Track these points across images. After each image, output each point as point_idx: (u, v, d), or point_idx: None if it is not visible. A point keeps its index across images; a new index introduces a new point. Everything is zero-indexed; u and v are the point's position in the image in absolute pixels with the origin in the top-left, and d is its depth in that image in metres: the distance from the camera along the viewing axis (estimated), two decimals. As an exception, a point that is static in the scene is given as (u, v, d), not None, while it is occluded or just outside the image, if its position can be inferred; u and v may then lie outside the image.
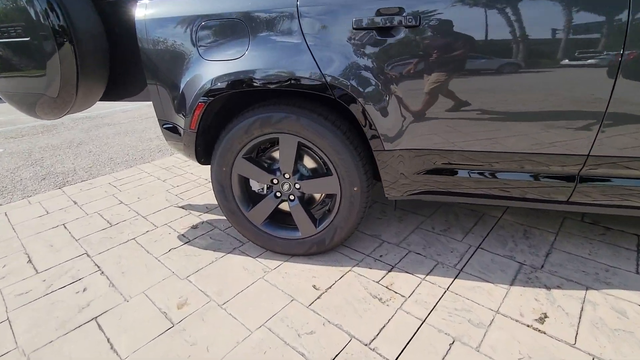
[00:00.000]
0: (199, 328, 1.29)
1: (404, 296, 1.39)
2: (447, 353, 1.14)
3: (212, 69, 1.40)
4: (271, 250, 1.71)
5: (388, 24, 1.18)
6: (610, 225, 1.80)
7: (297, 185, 1.55)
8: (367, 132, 1.33)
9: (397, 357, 1.13)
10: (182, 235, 1.95)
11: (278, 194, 1.60)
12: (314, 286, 1.48)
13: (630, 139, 1.13)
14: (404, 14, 1.16)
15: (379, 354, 1.15)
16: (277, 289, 1.48)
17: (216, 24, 1.38)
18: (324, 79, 1.27)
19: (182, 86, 1.50)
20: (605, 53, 1.04)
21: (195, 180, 2.72)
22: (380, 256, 1.65)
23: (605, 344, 1.14)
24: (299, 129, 1.40)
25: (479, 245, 1.69)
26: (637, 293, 1.35)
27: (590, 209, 1.32)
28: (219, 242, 1.86)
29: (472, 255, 1.62)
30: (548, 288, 1.39)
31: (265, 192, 1.67)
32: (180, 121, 1.56)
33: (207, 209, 2.25)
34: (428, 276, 1.50)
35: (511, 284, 1.43)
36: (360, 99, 1.27)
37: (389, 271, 1.55)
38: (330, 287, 1.47)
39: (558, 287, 1.40)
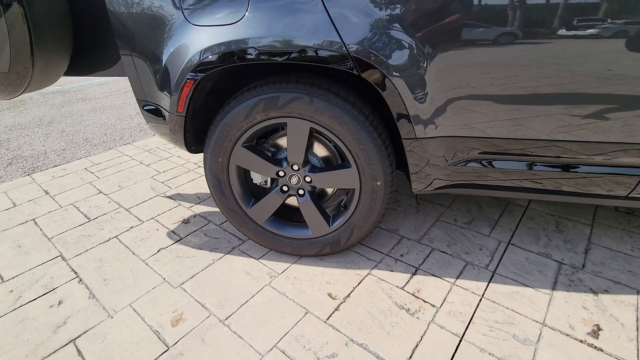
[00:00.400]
0: (200, 352, 1.09)
1: (434, 306, 1.22)
2: (495, 380, 0.97)
3: (202, 36, 1.12)
4: (279, 252, 1.50)
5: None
6: (646, 215, 1.65)
7: (308, 179, 1.32)
8: (398, 117, 1.10)
9: (438, 387, 0.96)
10: (172, 231, 1.71)
11: (285, 188, 1.37)
12: (329, 295, 1.29)
13: None
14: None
15: (416, 382, 0.98)
16: (287, 298, 1.28)
17: (206, -22, 1.08)
18: (345, 50, 1.01)
19: (164, 58, 1.21)
20: None
21: (184, 165, 2.45)
22: (401, 255, 1.47)
23: (673, 364, 1.00)
24: (313, 113, 1.15)
25: (510, 240, 1.52)
26: (694, 297, 1.20)
27: (651, 206, 1.14)
28: (215, 240, 1.64)
29: (503, 252, 1.45)
30: (595, 293, 1.24)
31: (269, 185, 1.43)
32: (165, 101, 1.28)
33: (199, 198, 2.00)
34: (458, 280, 1.32)
35: (553, 288, 1.26)
36: (392, 76, 1.02)
37: (413, 274, 1.36)
38: (348, 296, 1.28)
39: (606, 291, 1.24)
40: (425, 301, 1.24)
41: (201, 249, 1.58)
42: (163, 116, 1.33)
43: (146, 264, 1.50)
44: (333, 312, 1.21)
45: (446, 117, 1.08)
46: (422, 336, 1.11)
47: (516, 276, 1.33)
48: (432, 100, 1.06)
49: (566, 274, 1.33)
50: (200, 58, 1.12)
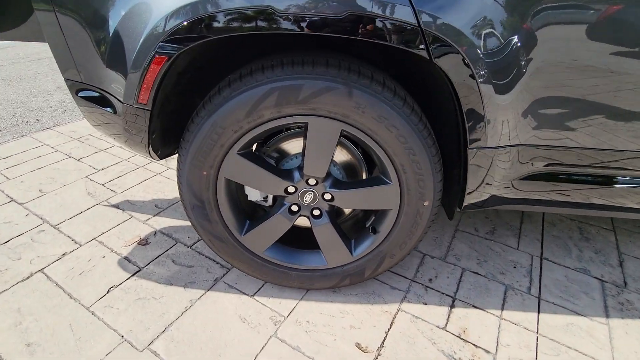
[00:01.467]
0: None
1: (489, 352, 0.99)
2: None
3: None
4: (286, 286, 1.16)
5: None
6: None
7: (328, 196, 0.98)
8: (470, 121, 0.80)
9: None
10: (126, 259, 1.27)
11: (294, 208, 1.02)
12: (358, 346, 1.00)
13: None
14: None
15: None
16: (304, 356, 0.96)
17: None
18: (417, 21, 0.68)
19: (114, 19, 0.76)
20: None
21: (129, 159, 1.93)
22: (430, 281, 1.22)
23: None
24: (349, 111, 0.80)
25: (541, 254, 1.34)
26: None
27: None
28: (188, 269, 1.24)
29: (540, 271, 1.27)
30: (649, 318, 1.11)
31: (269, 202, 1.07)
32: (116, 86, 0.83)
33: (158, 207, 1.55)
34: (504, 312, 1.11)
35: (607, 316, 1.11)
36: (477, 66, 0.71)
37: (452, 306, 1.12)
38: (382, 346, 1.00)
39: (658, 314, 1.12)
40: (476, 346, 1.00)
41: (171, 285, 1.18)
42: (112, 107, 0.87)
43: (92, 313, 1.07)
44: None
45: (529, 123, 0.81)
46: (487, 400, 0.88)
47: (564, 302, 1.15)
48: (518, 102, 0.77)
49: (612, 295, 1.18)
50: (178, 22, 0.70)
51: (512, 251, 1.36)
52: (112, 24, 0.76)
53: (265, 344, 1.00)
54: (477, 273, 1.25)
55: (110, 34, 0.77)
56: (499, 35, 0.70)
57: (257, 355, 0.97)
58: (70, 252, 1.30)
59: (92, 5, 0.78)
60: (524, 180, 0.94)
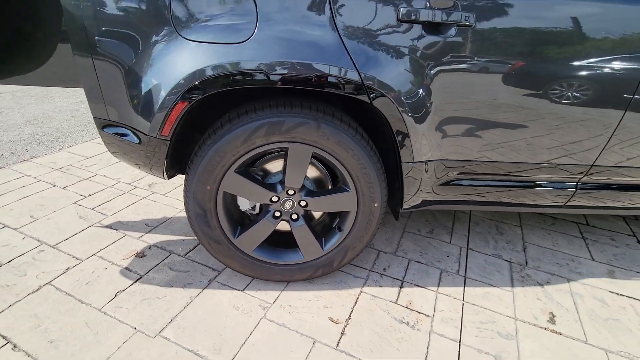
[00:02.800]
0: (212, 410, 0.97)
1: (428, 316, 1.31)
2: (497, 376, 1.11)
3: (199, 53, 1.00)
4: (266, 280, 1.41)
5: (439, 20, 1.00)
6: (554, 215, 2.06)
7: (303, 203, 1.29)
8: (401, 143, 1.16)
9: (456, 393, 1.05)
10: (127, 269, 1.46)
11: (277, 214, 1.31)
12: (331, 319, 1.28)
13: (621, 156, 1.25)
14: (458, 11, 1.00)
15: (437, 393, 1.05)
16: (289, 330, 1.22)
17: (205, -8, 0.98)
18: (360, 79, 1.03)
19: (145, 73, 1.04)
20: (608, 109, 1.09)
21: (114, 186, 2.11)
22: (384, 270, 1.54)
23: (607, 336, 1.28)
24: (318, 138, 1.13)
25: (467, 246, 1.73)
26: (602, 279, 1.56)
27: (579, 211, 1.46)
28: (184, 273, 1.46)
29: (466, 258, 1.64)
30: (541, 285, 1.50)
31: (257, 211, 1.35)
32: (142, 123, 1.10)
33: (148, 226, 1.75)
34: (440, 287, 1.45)
35: (512, 285, 1.49)
36: (401, 105, 1.08)
37: (401, 287, 1.45)
38: (349, 317, 1.29)
39: (547, 282, 1.52)
40: (419, 312, 1.33)
41: (171, 286, 1.39)
42: (138, 140, 1.13)
43: (104, 313, 1.26)
44: (340, 338, 1.21)
45: (439, 144, 1.19)
46: (427, 347, 1.19)
47: (483, 278, 1.52)
48: (433, 130, 1.15)
49: (517, 272, 1.58)
50: (199, 77, 1.00)
51: (446, 245, 1.73)
52: (143, 77, 1.04)
53: (257, 324, 1.24)
54: (420, 262, 1.60)
55: (141, 84, 1.05)
56: (411, 86, 1.08)
57: (251, 332, 1.21)
58: (74, 266, 1.46)
59: (128, 61, 1.05)
60: (442, 185, 1.32)
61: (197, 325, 1.22)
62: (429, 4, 1.00)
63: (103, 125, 1.17)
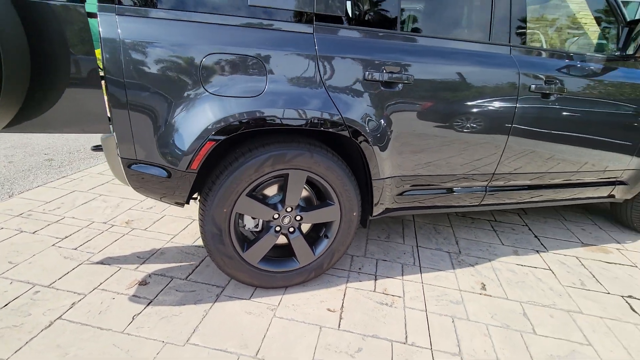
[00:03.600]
0: (256, 387, 1.19)
1: (400, 297, 1.70)
2: (455, 328, 1.52)
3: (223, 104, 1.30)
4: (270, 287, 1.66)
5: (389, 79, 1.47)
6: (473, 216, 2.67)
7: (299, 217, 1.60)
8: (371, 165, 1.57)
9: (431, 345, 1.43)
10: (135, 296, 1.58)
11: (277, 229, 1.60)
12: (328, 309, 1.58)
13: (510, 167, 1.85)
14: (402, 72, 1.49)
15: (418, 346, 1.41)
16: (298, 322, 1.49)
17: (229, 59, 1.30)
18: (342, 120, 1.43)
19: (177, 120, 1.30)
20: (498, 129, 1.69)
21: (89, 226, 2.14)
22: (359, 269, 1.90)
23: (519, 293, 1.80)
24: (311, 165, 1.49)
25: (417, 245, 2.19)
26: (510, 257, 2.13)
27: (488, 208, 2.02)
28: (192, 292, 1.63)
29: (418, 253, 2.09)
30: (472, 265, 2.01)
31: (260, 228, 1.62)
32: (171, 160, 1.33)
33: (140, 257, 1.86)
34: (404, 276, 1.86)
35: (453, 268, 1.96)
36: (370, 138, 1.50)
37: (375, 279, 1.81)
38: (342, 307, 1.60)
39: (476, 263, 2.03)
40: (393, 295, 1.70)
41: (183, 304, 1.55)
42: (167, 174, 1.35)
43: (127, 334, 1.38)
44: (340, 321, 1.51)
45: (397, 163, 1.64)
46: (405, 318, 1.56)
47: (432, 265, 1.97)
48: (390, 154, 1.59)
49: (454, 258, 2.07)
50: (225, 122, 1.30)
51: (401, 245, 2.17)
52: (175, 123, 1.29)
53: (270, 321, 1.49)
54: (385, 260, 2.00)
55: (173, 129, 1.30)
56: (377, 123, 1.51)
57: (267, 328, 1.45)
58: (79, 301, 1.54)
59: (162, 114, 1.29)
60: (399, 195, 1.75)
61: (218, 331, 1.42)
62: (385, 69, 1.46)
63: (130, 164, 1.36)
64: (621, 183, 2.25)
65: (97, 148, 1.70)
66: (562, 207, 2.92)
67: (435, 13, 1.64)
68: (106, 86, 1.25)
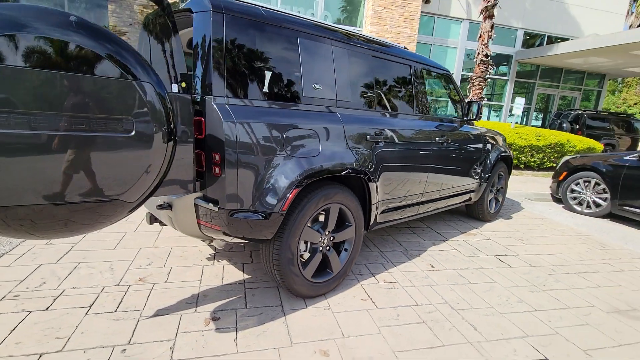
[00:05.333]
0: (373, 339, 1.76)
1: (395, 281, 2.49)
2: (435, 291, 2.41)
3: (301, 162, 1.89)
4: (317, 295, 2.18)
5: (378, 139, 2.35)
6: (398, 227, 3.73)
7: (332, 238, 2.23)
8: (373, 196, 2.37)
9: (430, 302, 2.27)
10: (219, 328, 1.85)
11: (320, 249, 2.18)
12: (362, 300, 2.23)
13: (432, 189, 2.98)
14: (381, 134, 2.39)
15: (423, 304, 2.23)
16: (350, 312, 2.09)
17: (299, 131, 1.91)
18: (362, 169, 2.20)
19: (270, 177, 1.80)
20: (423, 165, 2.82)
21: (104, 291, 2.11)
22: (359, 272, 2.60)
23: (451, 265, 2.86)
24: (342, 199, 2.17)
25: (380, 250, 3.04)
26: (432, 247, 3.23)
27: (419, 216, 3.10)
28: (261, 314, 2.00)
29: (385, 255, 2.95)
30: (418, 255, 2.99)
31: (307, 251, 2.15)
32: (270, 205, 1.79)
33: (189, 303, 2.06)
34: (388, 270, 2.67)
35: (410, 259, 2.90)
36: (374, 180, 2.32)
37: (374, 276, 2.56)
38: (369, 296, 2.28)
39: (419, 254, 3.03)
40: (392, 282, 2.48)
41: (264, 323, 1.93)
42: (263, 218, 1.79)
43: (243, 352, 1.70)
44: (374, 303, 2.19)
45: (382, 192, 2.49)
46: (406, 292, 2.36)
47: (397, 260, 2.85)
48: (381, 186, 2.44)
49: (406, 254, 3.01)
50: (304, 174, 1.87)
51: (372, 252, 2.98)
52: (272, 178, 1.78)
53: (334, 316, 2.03)
54: (369, 263, 2.76)
55: (271, 181, 1.77)
56: (373, 169, 2.33)
57: (336, 319, 1.99)
58: (174, 344, 1.71)
59: (260, 166, 1.75)
60: (382, 213, 2.60)
61: (307, 330, 1.89)
62: (374, 133, 2.32)
63: (233, 213, 1.74)
64: (472, 191, 3.73)
65: (162, 207, 1.91)
66: (439, 213, 4.36)
67: (399, 97, 2.64)
68: (222, 154, 1.67)
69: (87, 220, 1.30)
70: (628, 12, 19.20)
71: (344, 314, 2.07)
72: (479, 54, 9.97)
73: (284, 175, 1.84)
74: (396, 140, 2.52)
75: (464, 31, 12.25)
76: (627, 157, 4.56)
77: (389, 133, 2.46)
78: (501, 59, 13.14)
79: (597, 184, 4.78)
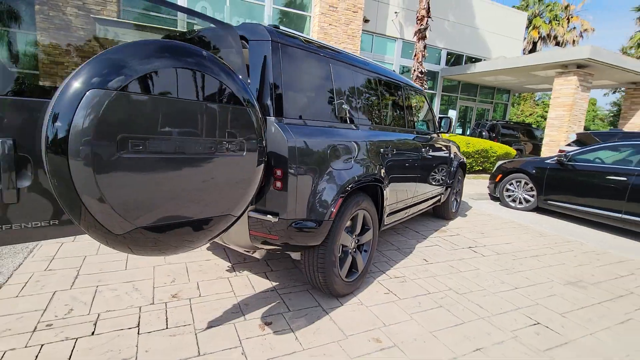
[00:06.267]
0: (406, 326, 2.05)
1: (404, 276, 2.84)
2: (437, 280, 2.81)
3: (341, 174, 2.13)
4: (349, 293, 2.42)
5: (387, 151, 2.70)
6: (385, 231, 4.10)
7: (357, 240, 2.49)
8: (385, 201, 2.69)
9: (438, 290, 2.66)
10: (277, 331, 1.99)
11: (349, 251, 2.42)
12: (385, 293, 2.52)
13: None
14: (389, 147, 2.75)
15: (433, 292, 2.61)
16: (380, 304, 2.37)
17: (340, 146, 2.16)
18: (380, 178, 2.52)
19: (321, 188, 2.01)
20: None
21: (144, 310, 2.09)
22: (371, 271, 2.89)
23: (440, 258, 3.32)
24: (366, 205, 2.46)
25: (381, 251, 3.37)
26: (419, 245, 3.67)
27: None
28: (306, 315, 2.18)
29: (387, 255, 3.28)
30: (411, 252, 3.39)
31: (340, 253, 2.37)
32: (322, 214, 2.00)
33: (235, 313, 2.14)
34: (394, 267, 3.00)
35: (406, 256, 3.28)
36: (386, 187, 2.64)
37: (385, 273, 2.87)
38: (389, 290, 2.58)
39: (411, 251, 3.43)
40: (402, 276, 2.82)
41: (313, 322, 2.11)
42: (316, 225, 1.98)
43: (309, 348, 1.87)
44: (396, 295, 2.50)
45: (390, 197, 2.83)
46: (415, 283, 2.72)
47: (397, 258, 3.21)
48: (389, 192, 2.78)
49: (402, 252, 3.39)
50: (346, 184, 2.12)
51: (377, 253, 3.29)
52: (323, 189, 1.98)
53: (369, 309, 2.29)
54: (375, 263, 3.07)
55: (323, 193, 1.98)
56: (384, 175, 2.66)
57: (372, 312, 2.25)
58: (241, 347, 1.81)
59: (313, 179, 1.94)
60: (387, 216, 2.93)
61: (352, 324, 2.11)
62: (385, 146, 2.66)
63: (292, 223, 1.91)
64: (442, 193, 4.29)
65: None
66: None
67: (399, 115, 3.00)
68: (285, 169, 1.84)
69: (204, 235, 1.38)
70: (524, 38, 22.79)
71: (375, 307, 2.34)
72: (414, 70, 11.09)
73: (332, 186, 2.06)
74: (398, 152, 2.89)
75: (398, 49, 13.47)
76: (548, 161, 5.60)
77: (394, 145, 2.82)
78: (429, 75, 14.70)
79: (526, 183, 5.77)
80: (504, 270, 3.17)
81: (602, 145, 5.32)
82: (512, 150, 10.76)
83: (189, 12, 1.60)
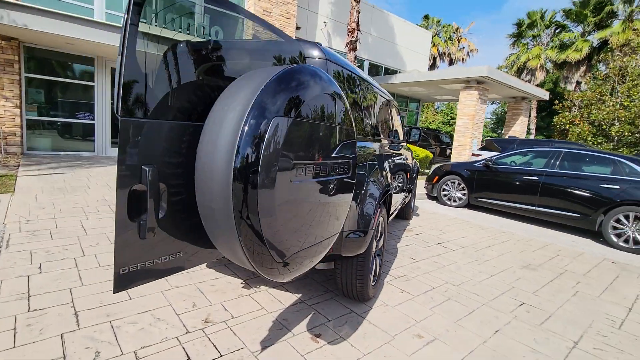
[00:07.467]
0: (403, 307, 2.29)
1: (406, 275, 3.10)
2: (433, 278, 3.15)
3: (375, 186, 2.28)
4: (373, 297, 2.56)
5: (390, 161, 2.94)
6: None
7: (377, 246, 2.66)
8: (390, 207, 2.92)
9: (440, 285, 2.98)
10: (330, 342, 2.04)
11: (374, 256, 2.58)
12: (399, 292, 2.74)
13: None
14: (390, 157, 3.00)
15: (437, 286, 2.93)
16: (402, 303, 2.58)
17: (373, 160, 2.30)
18: (390, 185, 2.73)
19: (366, 200, 2.13)
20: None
21: (188, 339, 1.92)
22: (381, 274, 3.09)
23: (424, 255, 3.68)
24: (383, 212, 2.65)
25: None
26: (406, 248, 4.01)
27: (393, 220, 3.82)
28: (346, 322, 2.26)
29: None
30: (407, 257, 3.69)
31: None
32: (368, 224, 2.10)
33: (279, 329, 2.11)
34: (396, 268, 3.25)
35: (395, 256, 3.57)
36: (392, 194, 2.87)
37: (389, 274, 3.09)
38: (402, 289, 2.81)
39: (408, 256, 3.74)
40: (407, 275, 3.08)
41: (357, 328, 2.21)
42: (360, 234, 2.08)
43: (370, 353, 1.97)
44: (409, 293, 2.74)
45: (393, 204, 3.07)
46: (418, 280, 3.00)
47: (391, 257, 3.47)
48: (393, 198, 3.02)
49: (398, 256, 3.67)
50: (382, 195, 2.27)
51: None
52: (367, 201, 2.09)
53: (394, 308, 2.48)
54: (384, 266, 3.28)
55: (368, 205, 2.09)
56: (390, 184, 2.89)
57: (401, 310, 2.45)
58: (313, 351, 1.82)
59: (358, 191, 2.04)
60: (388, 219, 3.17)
61: (390, 325, 2.28)
62: (389, 157, 2.89)
63: (347, 234, 1.98)
64: (407, 196, 4.73)
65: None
66: (374, 216, 5.21)
67: (392, 127, 3.24)
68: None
69: (320, 256, 1.39)
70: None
71: (399, 306, 2.53)
72: (346, 79, 11.72)
73: (372, 197, 2.20)
74: (393, 160, 3.15)
75: (327, 57, 14.02)
76: (476, 164, 6.56)
77: (392, 155, 3.07)
78: (354, 83, 15.62)
79: (459, 183, 6.66)
80: (475, 261, 3.68)
81: (520, 150, 6.45)
82: (430, 154, 12.16)
83: (270, 27, 1.56)
